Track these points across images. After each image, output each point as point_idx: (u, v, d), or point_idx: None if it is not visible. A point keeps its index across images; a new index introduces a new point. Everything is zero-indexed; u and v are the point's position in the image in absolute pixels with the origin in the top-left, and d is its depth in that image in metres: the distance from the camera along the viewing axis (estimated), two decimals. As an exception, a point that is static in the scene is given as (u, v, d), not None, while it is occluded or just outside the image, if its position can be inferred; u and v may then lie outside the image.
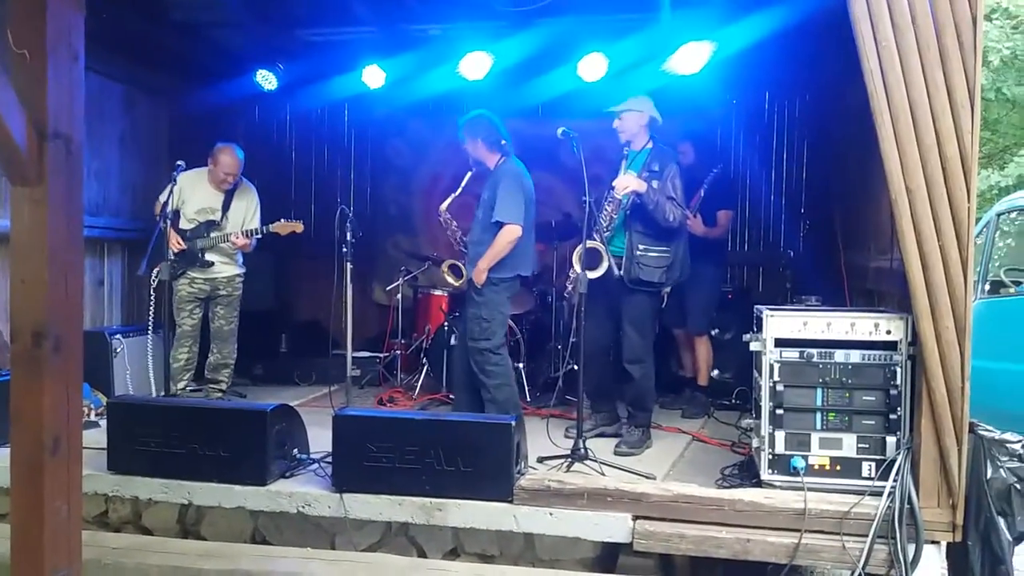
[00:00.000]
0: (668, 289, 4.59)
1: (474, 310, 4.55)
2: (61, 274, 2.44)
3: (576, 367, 4.45)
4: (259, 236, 5.43)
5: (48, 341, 2.40)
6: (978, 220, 5.30)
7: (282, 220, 5.33)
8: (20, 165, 2.35)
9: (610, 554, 3.70)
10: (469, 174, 4.71)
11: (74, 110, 2.48)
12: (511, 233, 4.43)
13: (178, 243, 5.22)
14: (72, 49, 2.45)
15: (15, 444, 2.45)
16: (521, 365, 5.91)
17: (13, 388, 2.44)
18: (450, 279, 4.88)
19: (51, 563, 2.44)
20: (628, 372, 4.58)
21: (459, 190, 4.71)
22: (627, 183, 4.39)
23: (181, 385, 5.35)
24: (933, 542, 3.39)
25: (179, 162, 5.11)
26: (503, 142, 4.66)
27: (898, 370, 3.55)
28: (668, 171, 4.50)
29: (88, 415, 4.87)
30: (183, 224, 5.37)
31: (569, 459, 4.06)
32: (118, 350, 5.46)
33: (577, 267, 4.41)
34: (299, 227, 5.30)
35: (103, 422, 4.52)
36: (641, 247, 4.45)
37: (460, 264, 4.80)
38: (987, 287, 5.88)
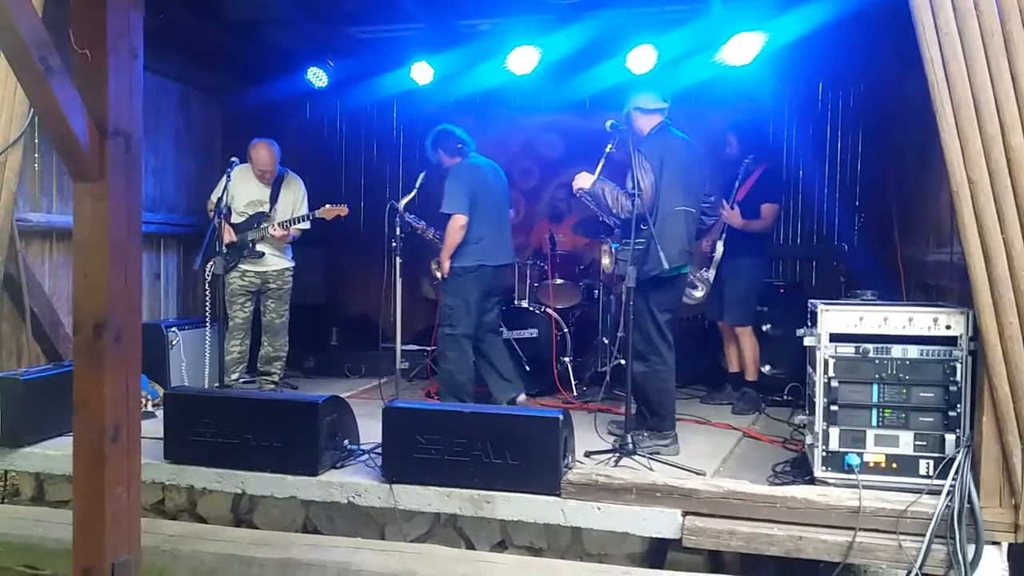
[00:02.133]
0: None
1: (442, 298, 5.14)
2: (121, 268, 2.50)
3: (623, 362, 4.43)
4: (308, 223, 5.50)
5: (109, 332, 2.46)
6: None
7: (327, 205, 5.40)
8: (82, 162, 2.42)
9: (659, 550, 3.67)
10: (422, 175, 5.22)
11: (133, 108, 2.54)
12: (454, 222, 4.94)
13: (230, 235, 5.33)
14: (132, 48, 2.50)
15: (78, 432, 2.52)
16: (567, 359, 5.90)
17: (76, 378, 2.51)
18: (437, 273, 5.20)
19: (112, 549, 2.51)
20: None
21: (413, 191, 5.20)
22: (579, 181, 4.35)
23: (234, 376, 5.46)
24: (994, 543, 3.30)
25: (233, 158, 5.23)
26: (460, 146, 5.23)
27: (958, 366, 3.45)
28: (636, 161, 4.18)
29: (146, 405, 5.00)
30: (235, 219, 5.48)
31: (617, 454, 4.04)
32: (174, 342, 5.58)
33: (605, 262, 4.48)
34: (344, 210, 5.35)
35: (160, 412, 4.63)
36: (625, 242, 4.28)
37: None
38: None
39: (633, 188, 4.11)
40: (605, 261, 4.59)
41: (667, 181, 4.24)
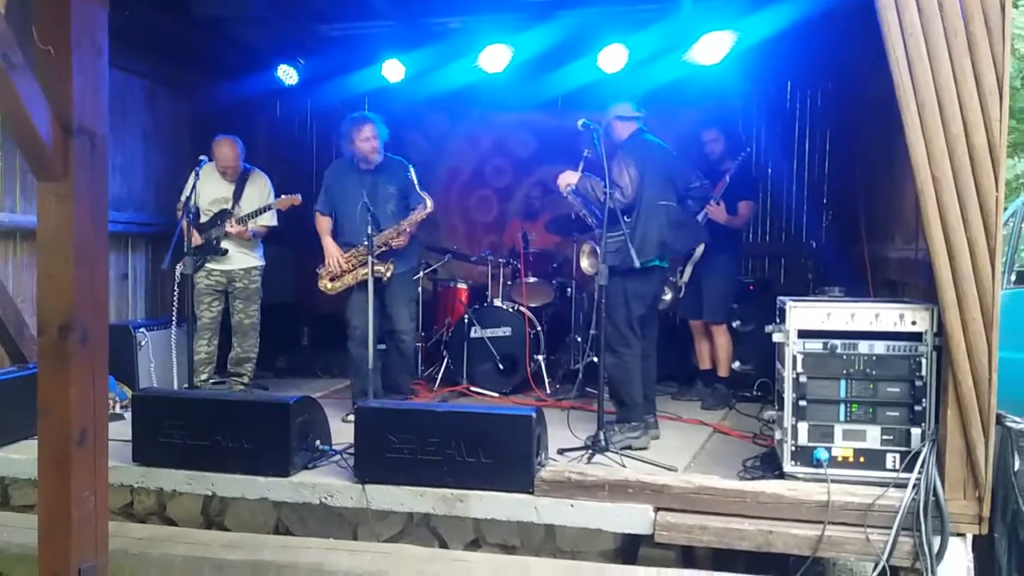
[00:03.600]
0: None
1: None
2: (87, 268, 2.47)
3: (596, 359, 4.45)
4: (273, 219, 5.47)
5: (75, 334, 2.43)
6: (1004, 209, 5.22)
7: (282, 196, 5.38)
8: (46, 160, 2.38)
9: (631, 546, 3.69)
10: None
11: (98, 105, 2.51)
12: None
13: (196, 236, 5.26)
14: (96, 44, 2.47)
15: (42, 436, 2.49)
16: (541, 357, 5.91)
17: (41, 380, 2.47)
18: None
19: (78, 553, 2.48)
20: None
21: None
22: (565, 179, 4.47)
23: (203, 377, 5.41)
24: (959, 534, 3.35)
25: (202, 157, 5.16)
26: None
27: (923, 361, 3.51)
28: (619, 157, 4.37)
29: (113, 407, 4.93)
30: (202, 218, 5.42)
31: (590, 451, 4.05)
32: (142, 343, 5.51)
33: (584, 264, 4.52)
34: (297, 200, 5.31)
35: (128, 414, 4.57)
36: (607, 236, 4.32)
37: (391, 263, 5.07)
38: (1013, 277, 5.79)
39: (611, 184, 4.20)
40: (584, 263, 4.62)
41: (649, 177, 4.36)
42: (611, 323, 4.32)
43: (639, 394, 4.45)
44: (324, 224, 5.22)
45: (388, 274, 4.96)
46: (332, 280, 5.16)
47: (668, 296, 5.34)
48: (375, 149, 5.04)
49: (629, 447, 4.24)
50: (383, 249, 4.96)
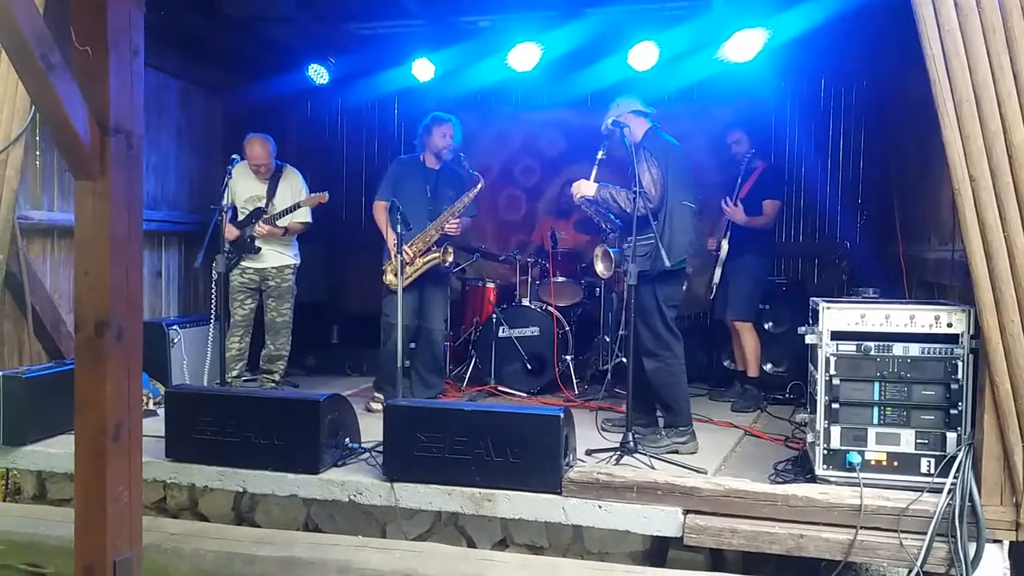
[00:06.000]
0: (685, 283, 4.46)
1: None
2: (122, 265, 2.50)
3: (625, 360, 4.42)
4: (308, 216, 5.51)
5: (110, 330, 2.45)
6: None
7: (311, 194, 5.43)
8: (83, 159, 2.41)
9: (660, 548, 3.67)
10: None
11: (134, 105, 2.53)
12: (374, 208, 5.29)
13: (232, 233, 5.32)
14: (133, 45, 2.49)
15: (79, 431, 2.52)
16: (569, 358, 5.90)
17: (78, 376, 2.50)
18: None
19: (113, 547, 2.50)
20: (644, 368, 4.33)
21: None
22: (579, 189, 4.39)
23: (234, 374, 5.46)
24: (995, 541, 3.30)
25: (234, 156, 5.22)
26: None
27: (959, 364, 3.45)
28: (641, 157, 4.22)
29: (146, 404, 5.00)
30: (239, 216, 5.48)
31: (618, 452, 4.03)
32: (175, 340, 5.58)
33: (599, 268, 4.50)
34: (324, 197, 5.34)
35: (161, 411, 4.63)
36: (629, 241, 4.24)
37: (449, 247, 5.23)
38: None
39: (637, 185, 4.11)
40: (599, 268, 4.55)
41: (672, 178, 4.27)
42: (647, 328, 4.27)
43: (686, 398, 4.40)
44: (384, 214, 5.13)
45: (450, 257, 5.17)
46: (394, 274, 5.02)
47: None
48: (448, 147, 5.27)
49: (675, 452, 4.21)
50: (436, 237, 5.15)
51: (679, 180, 4.30)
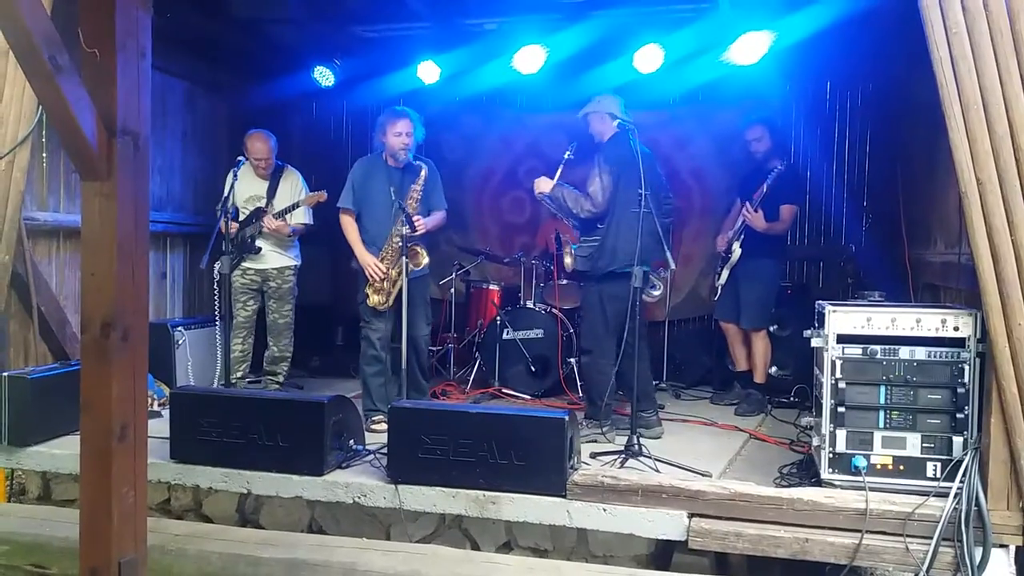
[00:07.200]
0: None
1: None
2: (128, 267, 2.51)
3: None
4: (308, 216, 5.51)
5: (116, 331, 2.46)
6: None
7: (307, 193, 5.43)
8: (90, 160, 2.42)
9: (665, 551, 3.67)
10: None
11: (141, 107, 2.54)
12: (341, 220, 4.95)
13: (232, 230, 5.30)
14: (140, 47, 2.51)
15: (85, 431, 2.53)
16: (574, 360, 5.89)
17: (84, 377, 2.51)
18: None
19: (118, 548, 2.51)
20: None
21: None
22: (538, 186, 4.55)
23: (238, 375, 5.46)
24: (1002, 546, 3.29)
25: (240, 157, 5.24)
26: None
27: (966, 368, 3.44)
28: (595, 163, 4.41)
29: (151, 405, 5.00)
30: (240, 216, 5.48)
31: (623, 455, 4.03)
32: (180, 342, 5.59)
33: (567, 261, 4.74)
34: (323, 196, 5.30)
35: (166, 412, 4.63)
36: (581, 240, 4.49)
37: (418, 248, 4.86)
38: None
39: (584, 189, 4.34)
40: (567, 260, 4.76)
41: (625, 186, 4.34)
42: (588, 325, 4.46)
43: (611, 396, 4.51)
44: (352, 227, 4.90)
45: (423, 260, 4.83)
46: (378, 294, 4.84)
47: (657, 292, 5.42)
48: (406, 147, 4.80)
49: (595, 442, 4.36)
50: (399, 244, 4.69)
51: (634, 189, 4.26)
